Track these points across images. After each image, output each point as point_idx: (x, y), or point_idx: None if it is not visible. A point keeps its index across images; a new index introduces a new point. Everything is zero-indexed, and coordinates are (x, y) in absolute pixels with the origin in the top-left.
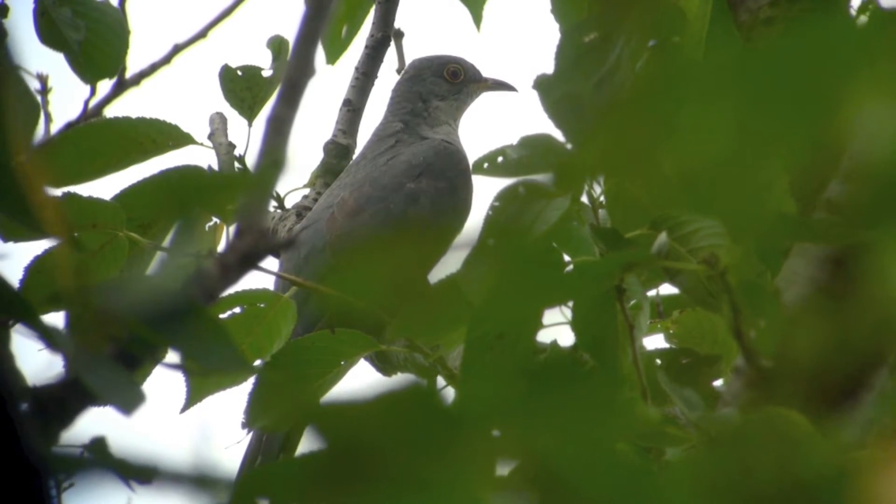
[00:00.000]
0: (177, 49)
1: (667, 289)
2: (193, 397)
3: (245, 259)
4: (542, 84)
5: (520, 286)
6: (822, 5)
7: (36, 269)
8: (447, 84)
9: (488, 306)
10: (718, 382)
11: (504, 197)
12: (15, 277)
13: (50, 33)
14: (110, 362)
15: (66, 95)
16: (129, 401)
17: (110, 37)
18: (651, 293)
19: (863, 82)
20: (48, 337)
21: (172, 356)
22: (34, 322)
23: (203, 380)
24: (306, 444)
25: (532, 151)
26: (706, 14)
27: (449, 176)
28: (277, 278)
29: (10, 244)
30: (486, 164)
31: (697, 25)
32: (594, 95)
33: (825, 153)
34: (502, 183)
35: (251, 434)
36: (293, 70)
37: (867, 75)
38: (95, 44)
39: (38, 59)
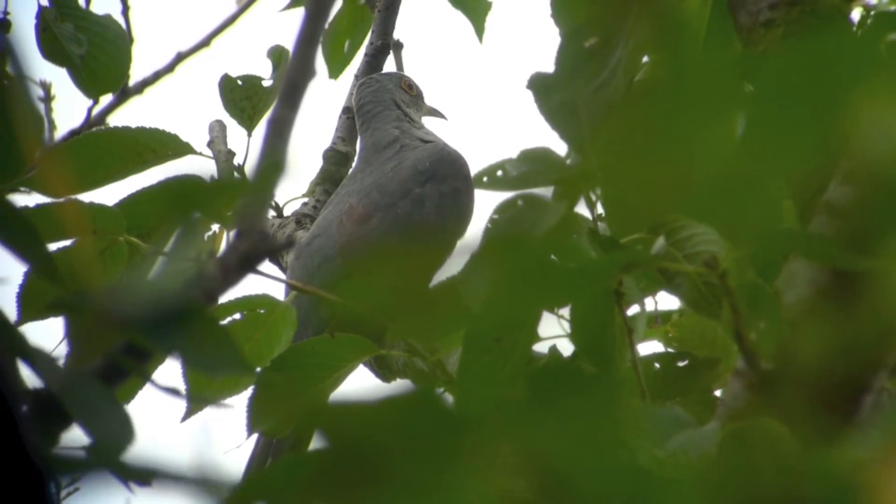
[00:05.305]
0: (180, 58)
1: (664, 303)
2: (194, 406)
3: (245, 261)
4: (536, 84)
5: (517, 288)
6: (823, 8)
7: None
8: (407, 95)
9: (486, 309)
10: (718, 392)
11: (503, 210)
12: (14, 279)
13: (52, 48)
14: (103, 395)
15: (70, 103)
16: (118, 441)
17: (112, 51)
18: (649, 306)
19: (865, 87)
20: (37, 364)
21: (165, 372)
22: (21, 349)
23: (203, 388)
24: (315, 447)
25: (532, 166)
26: (705, 16)
27: (453, 181)
28: (287, 287)
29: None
30: (485, 178)
31: (696, 27)
32: (593, 100)
33: (826, 154)
34: (502, 196)
35: (258, 438)
36: (293, 72)
37: (869, 79)
38: (98, 58)
39: (43, 67)
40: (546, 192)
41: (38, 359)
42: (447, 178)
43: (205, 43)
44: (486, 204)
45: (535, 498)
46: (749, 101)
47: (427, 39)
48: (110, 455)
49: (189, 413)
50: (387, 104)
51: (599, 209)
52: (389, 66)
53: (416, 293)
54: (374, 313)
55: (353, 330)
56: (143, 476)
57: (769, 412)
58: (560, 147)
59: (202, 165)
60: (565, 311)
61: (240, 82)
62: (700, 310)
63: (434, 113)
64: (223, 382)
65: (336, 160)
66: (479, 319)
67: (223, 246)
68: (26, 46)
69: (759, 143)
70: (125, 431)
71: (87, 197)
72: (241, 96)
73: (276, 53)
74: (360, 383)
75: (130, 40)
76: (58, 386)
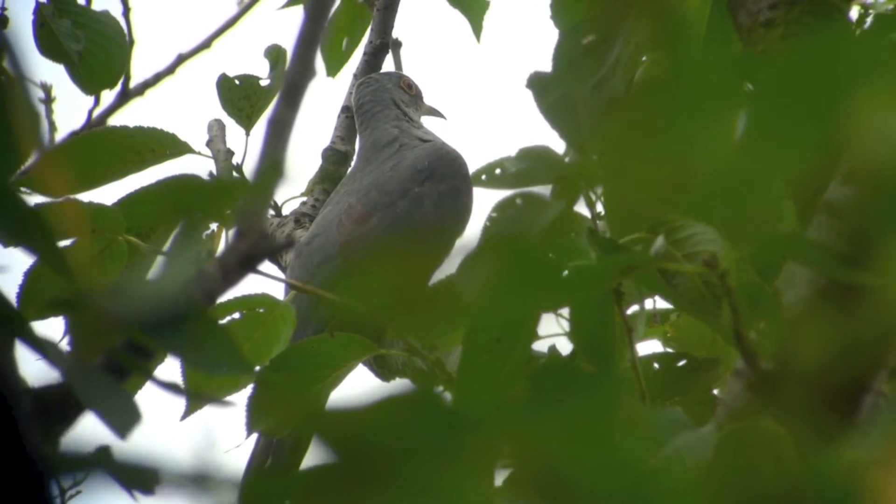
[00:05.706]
0: (181, 59)
1: (663, 302)
2: (193, 405)
3: (245, 261)
4: (535, 83)
5: (517, 288)
6: (822, 8)
7: (36, 273)
8: (406, 94)
9: (485, 309)
10: (716, 392)
11: (502, 208)
12: (14, 281)
13: (50, 45)
14: (107, 377)
15: (71, 105)
16: (124, 421)
17: (110, 48)
18: (648, 305)
19: (865, 86)
20: (43, 349)
21: (164, 371)
22: (27, 334)
23: (202, 386)
24: (313, 447)
25: (530, 164)
26: (705, 16)
27: (451, 180)
28: (287, 286)
29: (10, 250)
30: (484, 176)
31: (696, 27)
32: (591, 98)
33: (826, 154)
34: (501, 194)
35: (258, 438)
36: (293, 72)
37: (869, 79)
38: (95, 55)
39: (44, 68)
40: (545, 190)
41: (44, 346)
42: (446, 177)
43: (206, 44)
44: (484, 202)
45: (534, 497)
46: (749, 101)
47: (426, 38)
48: (115, 462)
49: (188, 411)
50: (386, 103)
51: (599, 208)
52: (388, 65)
53: (416, 292)
54: (374, 312)
55: (352, 329)
56: (146, 482)
57: (769, 412)
58: (558, 145)
59: (201, 165)
60: (564, 310)
61: (237, 82)
62: (701, 311)
63: (433, 112)
64: (222, 381)
65: (335, 159)
66: (478, 318)
67: (223, 245)
68: (24, 43)
69: (759, 143)
70: (131, 413)
71: (86, 196)
72: (239, 96)
73: (274, 53)
74: (360, 383)
75: (131, 42)
76: (64, 372)
